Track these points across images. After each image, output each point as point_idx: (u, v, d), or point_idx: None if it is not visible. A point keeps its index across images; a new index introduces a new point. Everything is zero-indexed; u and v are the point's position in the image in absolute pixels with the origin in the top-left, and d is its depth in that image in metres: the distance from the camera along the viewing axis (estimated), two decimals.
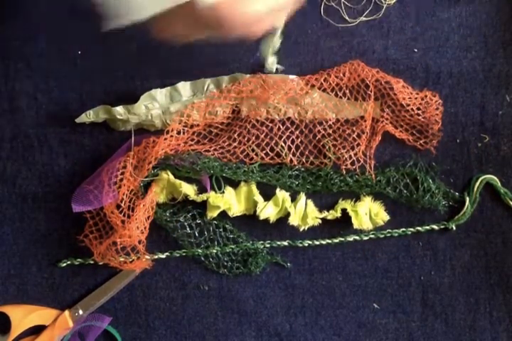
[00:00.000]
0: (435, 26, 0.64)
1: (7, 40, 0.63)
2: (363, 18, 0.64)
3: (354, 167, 0.62)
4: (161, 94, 0.61)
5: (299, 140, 0.63)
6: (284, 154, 0.63)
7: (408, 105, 0.62)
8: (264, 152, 0.63)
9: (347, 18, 0.64)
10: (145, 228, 0.58)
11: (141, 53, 0.63)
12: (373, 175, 0.62)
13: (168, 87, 0.62)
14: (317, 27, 0.64)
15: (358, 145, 0.62)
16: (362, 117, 0.63)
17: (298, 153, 0.63)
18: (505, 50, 0.64)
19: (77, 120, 0.61)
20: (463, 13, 0.65)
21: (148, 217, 0.60)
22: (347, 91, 0.63)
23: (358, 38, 0.64)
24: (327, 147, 0.63)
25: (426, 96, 0.62)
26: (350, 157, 0.62)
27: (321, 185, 0.63)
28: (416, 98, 0.62)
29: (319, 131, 0.63)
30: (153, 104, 0.61)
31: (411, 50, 0.64)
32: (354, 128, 0.63)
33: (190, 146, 0.62)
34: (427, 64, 0.64)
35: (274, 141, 0.63)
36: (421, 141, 0.64)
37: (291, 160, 0.63)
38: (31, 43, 0.63)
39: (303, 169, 0.63)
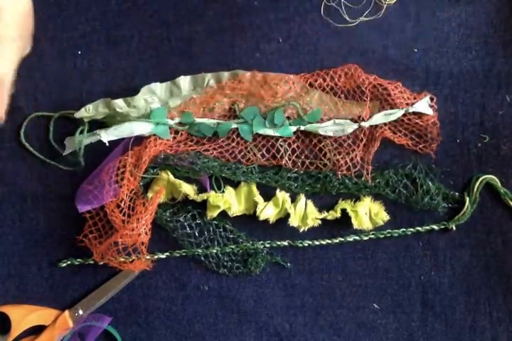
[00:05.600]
0: (435, 26, 0.64)
1: None
2: (363, 18, 0.64)
3: (350, 172, 0.62)
4: (160, 88, 0.61)
5: (296, 144, 0.63)
6: (279, 156, 0.63)
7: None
8: (260, 153, 0.63)
9: (347, 18, 0.64)
10: (149, 229, 0.58)
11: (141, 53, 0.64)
12: (370, 181, 0.62)
13: (168, 82, 0.62)
14: (317, 27, 0.64)
15: (354, 150, 0.62)
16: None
17: (294, 157, 0.63)
18: (505, 50, 0.64)
19: (76, 115, 0.61)
20: (463, 13, 0.65)
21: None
22: (342, 96, 0.63)
23: (358, 38, 0.64)
24: (327, 149, 0.63)
25: (422, 99, 0.63)
26: (346, 162, 0.62)
27: (319, 187, 0.63)
28: (414, 103, 0.62)
29: (315, 136, 0.63)
30: (153, 98, 0.61)
31: (411, 50, 0.64)
32: (350, 134, 0.63)
33: (190, 147, 0.62)
34: (427, 64, 0.64)
35: (270, 143, 0.63)
36: (420, 146, 0.64)
37: (286, 163, 0.63)
38: (31, 43, 0.63)
39: (302, 171, 0.63)
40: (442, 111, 0.64)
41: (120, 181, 0.58)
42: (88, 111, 0.60)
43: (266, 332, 0.64)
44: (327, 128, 0.62)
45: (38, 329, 0.62)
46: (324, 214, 0.62)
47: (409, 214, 0.64)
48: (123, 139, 0.61)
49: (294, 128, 0.62)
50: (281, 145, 0.63)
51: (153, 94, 0.61)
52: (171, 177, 0.61)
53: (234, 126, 0.62)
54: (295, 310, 0.64)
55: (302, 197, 0.62)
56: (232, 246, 0.63)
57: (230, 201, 0.62)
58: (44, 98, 0.63)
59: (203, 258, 0.63)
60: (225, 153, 0.63)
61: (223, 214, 0.62)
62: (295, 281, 0.64)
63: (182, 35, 0.64)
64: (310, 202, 0.63)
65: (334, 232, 0.64)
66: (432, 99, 0.63)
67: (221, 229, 0.64)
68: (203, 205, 0.62)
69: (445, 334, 0.64)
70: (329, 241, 0.64)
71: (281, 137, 0.63)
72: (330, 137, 0.63)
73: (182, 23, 0.64)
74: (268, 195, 0.62)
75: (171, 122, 0.61)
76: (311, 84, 0.63)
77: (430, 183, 0.63)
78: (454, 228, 0.64)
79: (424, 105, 0.62)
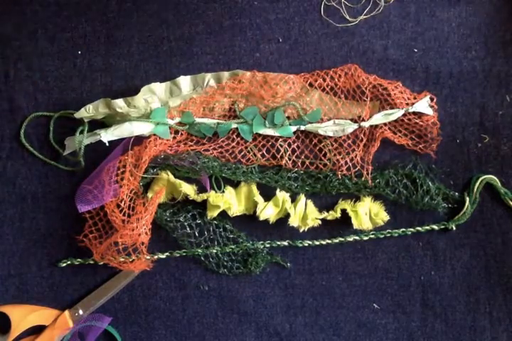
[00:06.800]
0: (435, 26, 0.64)
1: (7, 40, 0.63)
2: (363, 17, 0.64)
3: (350, 172, 0.62)
4: (160, 88, 0.61)
5: (296, 144, 0.63)
6: (279, 156, 0.63)
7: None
8: (260, 153, 0.63)
9: (347, 17, 0.64)
10: (149, 229, 0.58)
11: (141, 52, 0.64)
12: (370, 181, 0.62)
13: (168, 82, 0.62)
14: (317, 27, 0.64)
15: (354, 150, 0.63)
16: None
17: (294, 157, 0.63)
18: (505, 50, 0.64)
19: (76, 115, 0.61)
20: (463, 13, 0.65)
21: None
22: (342, 96, 0.63)
23: (358, 38, 0.64)
24: (327, 149, 0.63)
25: (422, 99, 0.63)
26: (346, 163, 0.62)
27: (319, 187, 0.63)
28: (413, 103, 0.62)
29: (315, 136, 0.63)
30: (153, 98, 0.61)
31: (411, 50, 0.64)
32: (350, 134, 0.63)
33: (190, 147, 0.62)
34: (427, 64, 0.64)
35: (270, 143, 0.63)
36: (420, 146, 0.64)
37: (286, 163, 0.63)
38: (31, 43, 0.63)
39: (302, 171, 0.63)
40: (442, 111, 0.64)
41: (120, 181, 0.58)
42: (88, 111, 0.60)
43: (266, 332, 0.64)
44: (327, 128, 0.62)
45: (38, 329, 0.62)
46: (324, 214, 0.62)
47: (409, 214, 0.64)
48: (123, 139, 0.61)
49: (294, 128, 0.62)
50: (281, 145, 0.63)
51: (153, 94, 0.61)
52: (171, 177, 0.61)
53: (234, 126, 0.62)
54: (295, 310, 0.64)
55: (302, 197, 0.62)
56: (232, 246, 0.63)
57: (230, 201, 0.62)
58: (44, 98, 0.63)
59: (203, 258, 0.63)
60: (225, 153, 0.63)
61: (223, 214, 0.62)
62: (295, 281, 0.64)
63: (182, 35, 0.64)
64: (310, 202, 0.63)
65: (334, 232, 0.64)
66: (432, 99, 0.63)
67: (221, 229, 0.64)
68: (203, 205, 0.62)
69: (445, 334, 0.64)
70: (329, 241, 0.64)
71: (281, 137, 0.63)
72: (330, 137, 0.63)
73: (182, 23, 0.64)
74: (268, 195, 0.62)
75: (171, 122, 0.61)
76: (311, 84, 0.63)
77: (430, 183, 0.63)
78: (454, 228, 0.64)
79: (424, 105, 0.63)
